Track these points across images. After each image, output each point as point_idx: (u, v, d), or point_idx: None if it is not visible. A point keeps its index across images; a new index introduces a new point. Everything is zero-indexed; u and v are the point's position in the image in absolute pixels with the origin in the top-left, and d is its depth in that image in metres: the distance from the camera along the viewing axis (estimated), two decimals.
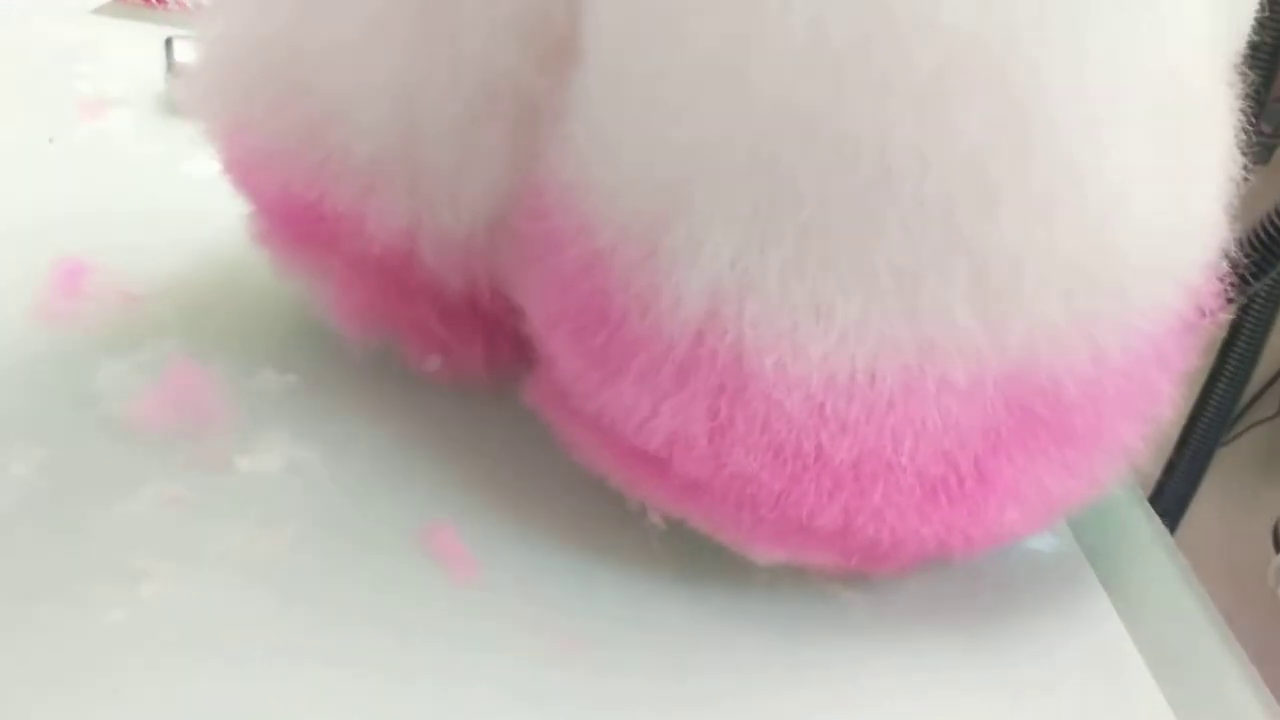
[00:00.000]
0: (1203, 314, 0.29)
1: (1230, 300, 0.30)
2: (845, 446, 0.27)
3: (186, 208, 0.45)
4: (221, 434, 0.33)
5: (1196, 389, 0.69)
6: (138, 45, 0.62)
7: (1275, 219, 0.48)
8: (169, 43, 0.54)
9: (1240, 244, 0.30)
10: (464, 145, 0.32)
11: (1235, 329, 0.66)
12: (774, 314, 0.26)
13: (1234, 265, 0.30)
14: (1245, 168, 0.28)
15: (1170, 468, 0.72)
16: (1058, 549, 0.34)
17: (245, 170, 0.36)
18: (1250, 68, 0.29)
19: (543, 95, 0.31)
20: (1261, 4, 0.31)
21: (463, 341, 0.36)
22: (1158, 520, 0.37)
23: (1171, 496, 0.72)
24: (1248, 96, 0.28)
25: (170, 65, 0.54)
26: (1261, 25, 0.42)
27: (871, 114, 0.24)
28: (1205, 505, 0.77)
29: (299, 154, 0.33)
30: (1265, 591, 0.77)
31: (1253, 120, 0.28)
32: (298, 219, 0.34)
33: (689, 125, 0.26)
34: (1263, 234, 0.48)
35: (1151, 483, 0.72)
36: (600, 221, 0.28)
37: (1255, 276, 0.50)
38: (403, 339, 0.36)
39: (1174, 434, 0.70)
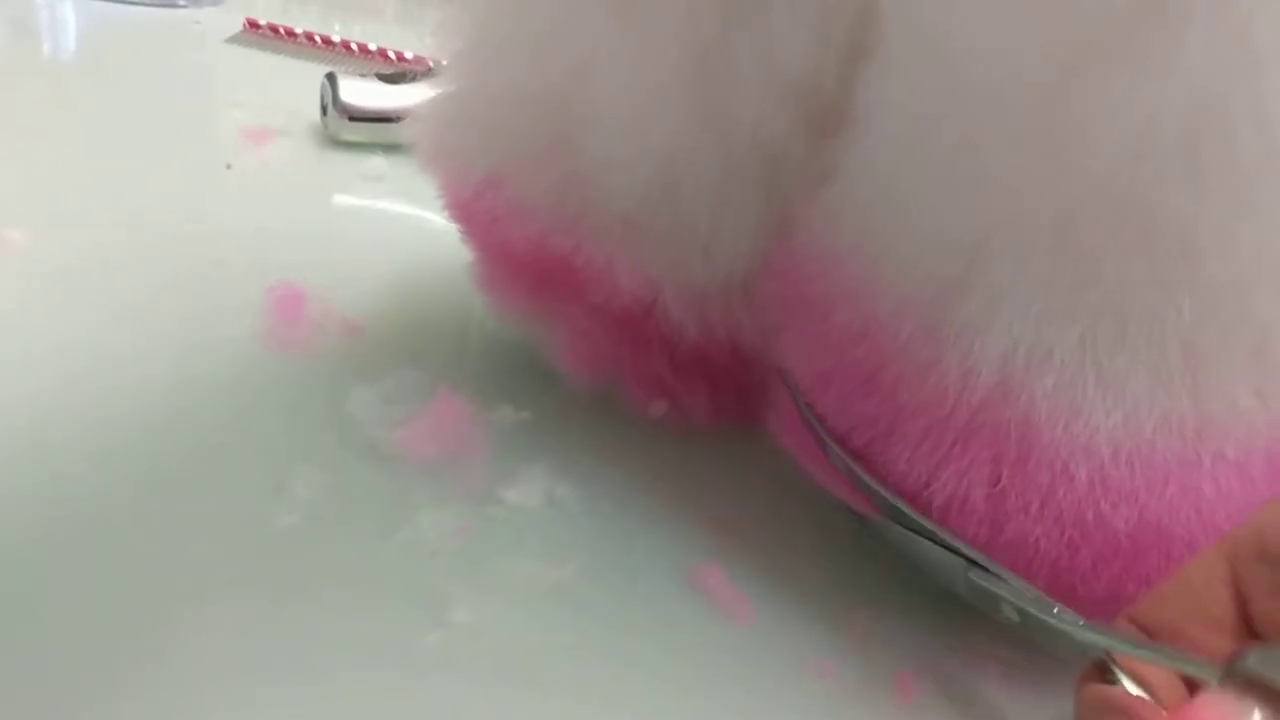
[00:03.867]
0: None
1: None
2: (1124, 517, 0.28)
3: (367, 241, 0.46)
4: (482, 466, 0.33)
5: None
6: (281, 76, 0.64)
7: None
8: (331, 78, 0.55)
9: None
10: (722, 204, 0.34)
11: None
12: (1067, 385, 0.27)
13: None
14: None
15: None
16: None
17: (490, 221, 0.36)
18: None
19: (803, 160, 0.32)
20: None
21: (690, 390, 0.37)
22: None
23: None
24: None
25: (335, 100, 0.55)
26: None
27: (1187, 199, 0.25)
28: None
29: (557, 207, 0.34)
30: None
31: None
32: (545, 268, 0.35)
33: (993, 196, 0.27)
34: None
35: None
36: (879, 289, 0.29)
37: None
38: (630, 384, 0.37)
39: None
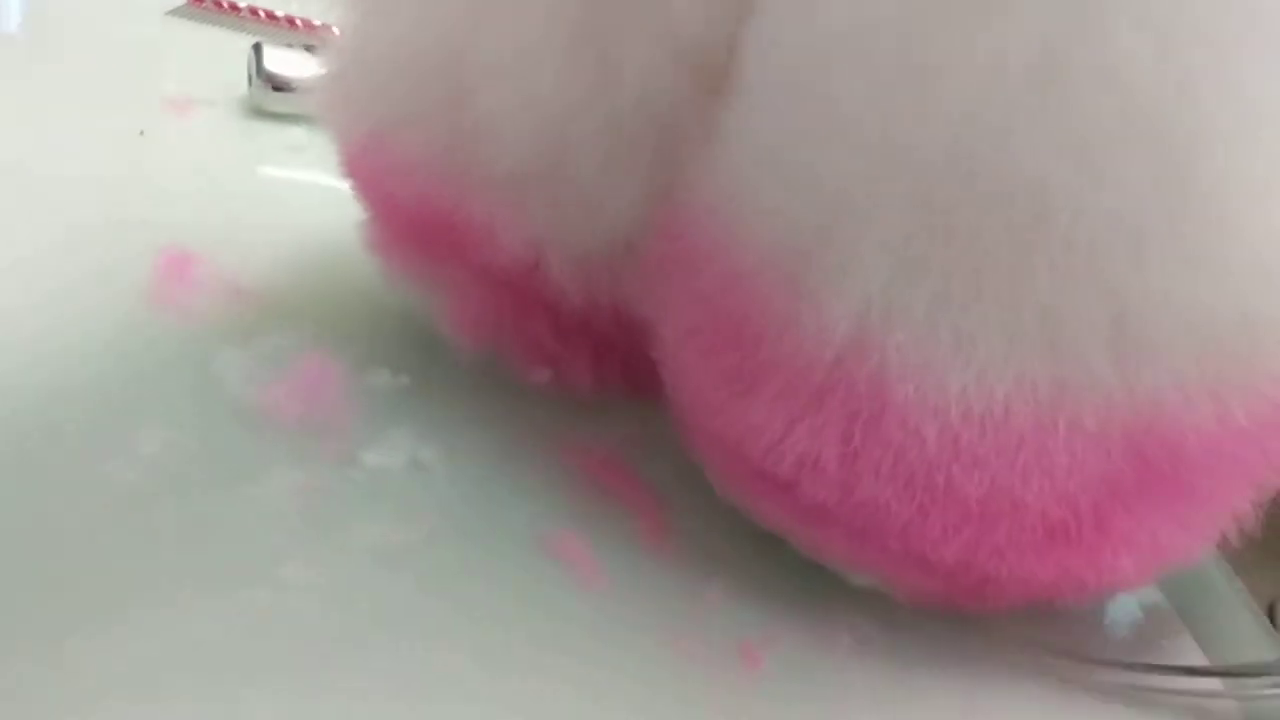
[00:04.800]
0: None
1: None
2: (975, 481, 0.27)
3: (276, 207, 0.46)
4: (346, 428, 0.33)
5: None
6: (216, 48, 0.63)
7: None
8: (257, 48, 0.55)
9: None
10: (609, 164, 0.33)
11: None
12: (918, 344, 0.27)
13: None
14: None
15: None
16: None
17: (375, 177, 0.36)
18: None
19: (690, 119, 0.32)
20: None
21: (573, 357, 0.36)
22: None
23: None
24: None
25: (258, 70, 0.54)
26: None
27: (1035, 155, 0.25)
28: None
29: (440, 165, 0.34)
30: None
31: None
32: (428, 227, 0.35)
33: (848, 152, 0.27)
34: None
35: None
36: (746, 242, 0.29)
37: None
38: (512, 350, 0.36)
39: None
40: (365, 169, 0.36)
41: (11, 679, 0.24)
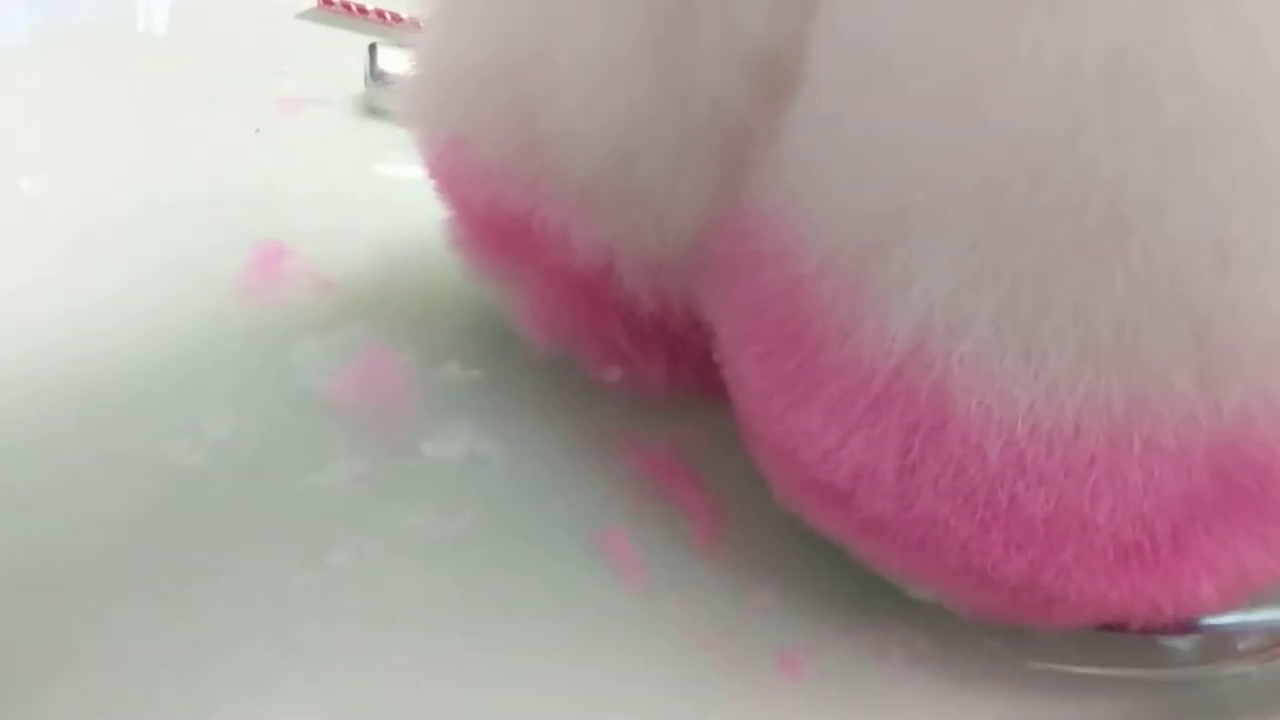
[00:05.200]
0: None
1: None
2: (1041, 500, 0.26)
3: (379, 205, 0.47)
4: (408, 419, 0.33)
5: None
6: (340, 50, 0.65)
7: None
8: (372, 49, 0.56)
9: None
10: (677, 172, 0.32)
11: None
12: (984, 355, 0.25)
13: None
14: None
15: None
16: None
17: (454, 180, 0.37)
18: None
19: (756, 121, 0.31)
20: None
21: (645, 357, 0.36)
22: None
23: None
24: None
25: (372, 70, 0.55)
26: None
27: (1110, 158, 0.23)
28: None
29: (514, 170, 0.34)
30: None
31: None
32: (503, 230, 0.35)
33: (914, 155, 0.26)
34: None
35: None
36: (807, 247, 0.28)
37: None
38: (586, 349, 0.36)
39: None
40: (445, 171, 0.37)
41: (72, 649, 0.26)
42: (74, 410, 0.32)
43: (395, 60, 0.56)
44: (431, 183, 0.38)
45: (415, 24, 0.68)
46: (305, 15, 0.70)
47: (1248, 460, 0.26)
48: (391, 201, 0.48)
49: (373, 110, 0.56)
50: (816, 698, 0.28)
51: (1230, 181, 0.23)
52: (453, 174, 0.37)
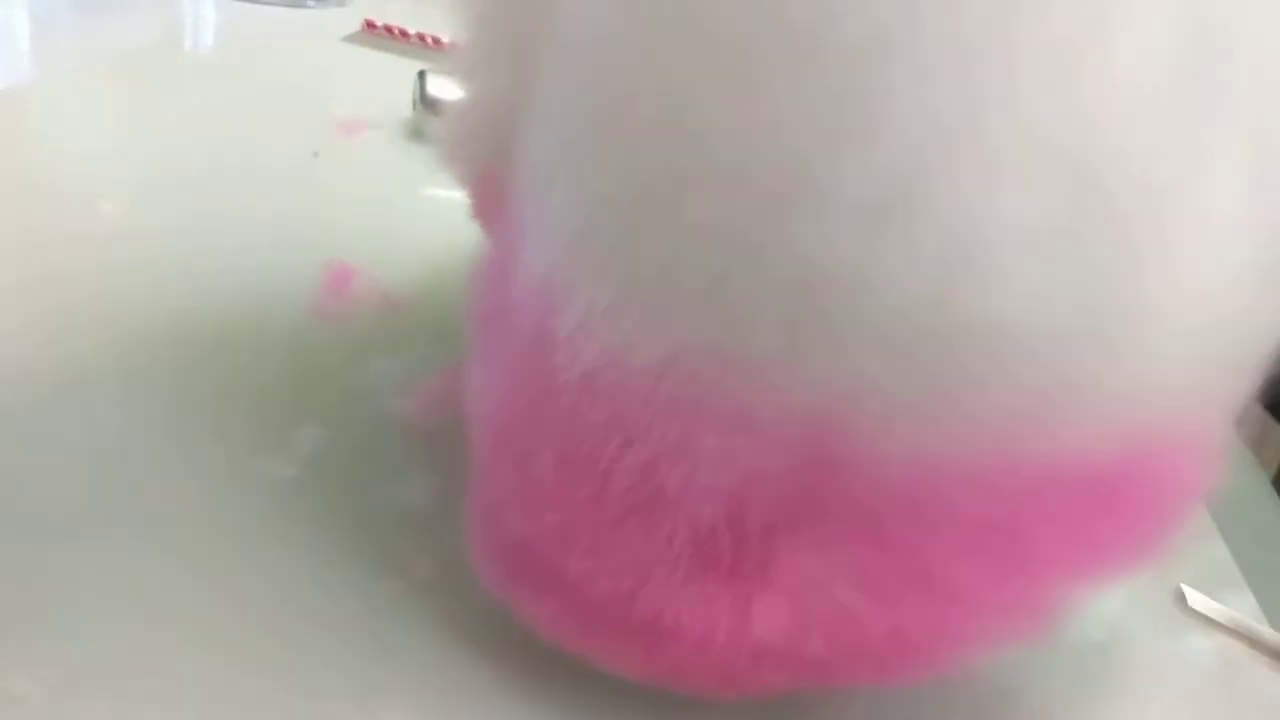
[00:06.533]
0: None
1: None
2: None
3: (433, 224, 0.49)
4: None
5: None
6: (384, 73, 0.67)
7: None
8: (421, 75, 0.58)
9: None
10: None
11: None
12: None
13: None
14: None
15: None
16: None
17: (491, 213, 0.38)
18: None
19: None
20: None
21: None
22: None
23: None
24: None
25: (422, 96, 0.58)
26: None
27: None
28: None
29: None
30: None
31: None
32: None
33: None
34: None
35: None
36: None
37: None
38: None
39: None
40: (481, 206, 0.39)
41: (167, 649, 0.27)
42: (174, 426, 0.34)
43: (443, 87, 0.58)
44: (474, 218, 0.40)
45: (456, 47, 0.71)
46: (351, 38, 0.72)
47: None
48: (444, 222, 0.50)
49: (420, 134, 0.58)
50: None
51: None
52: (488, 207, 0.39)
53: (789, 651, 0.25)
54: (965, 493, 0.23)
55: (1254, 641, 0.34)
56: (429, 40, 0.72)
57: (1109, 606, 0.34)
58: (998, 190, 0.20)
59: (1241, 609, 0.35)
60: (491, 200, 0.38)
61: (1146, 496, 0.25)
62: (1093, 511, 0.24)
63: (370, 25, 0.73)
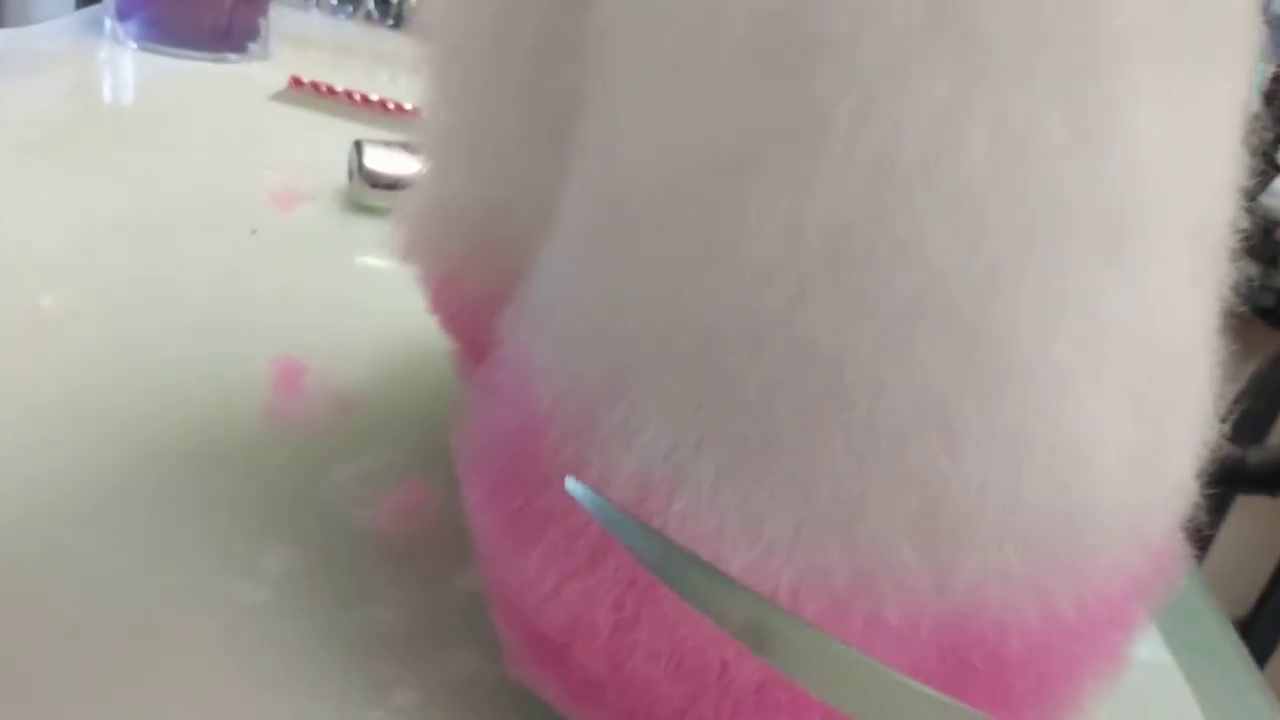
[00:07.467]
0: (1161, 576, 0.28)
1: None
2: (750, 668, 0.25)
3: (376, 304, 0.49)
4: (443, 550, 0.36)
5: None
6: (318, 136, 0.67)
7: None
8: (358, 145, 0.58)
9: None
10: None
11: None
12: (702, 515, 0.25)
13: None
14: None
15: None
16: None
17: (456, 315, 0.39)
18: None
19: None
20: None
21: None
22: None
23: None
24: None
25: (359, 168, 0.58)
26: None
27: (831, 330, 0.23)
28: None
29: (501, 306, 0.33)
30: None
31: None
32: None
33: (642, 310, 0.26)
34: None
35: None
36: (540, 386, 0.28)
37: None
38: None
39: None
40: (444, 306, 0.39)
41: None
42: (138, 546, 0.34)
43: (380, 159, 0.58)
44: (434, 316, 0.40)
45: (383, 105, 0.71)
46: (277, 97, 0.72)
47: (977, 639, 0.25)
48: (389, 303, 0.50)
49: (358, 205, 0.58)
50: None
51: (953, 364, 0.23)
52: (451, 308, 0.39)
53: None
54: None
55: None
56: (357, 98, 0.72)
57: None
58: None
59: None
60: (454, 305, 0.38)
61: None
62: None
63: (297, 82, 0.73)
